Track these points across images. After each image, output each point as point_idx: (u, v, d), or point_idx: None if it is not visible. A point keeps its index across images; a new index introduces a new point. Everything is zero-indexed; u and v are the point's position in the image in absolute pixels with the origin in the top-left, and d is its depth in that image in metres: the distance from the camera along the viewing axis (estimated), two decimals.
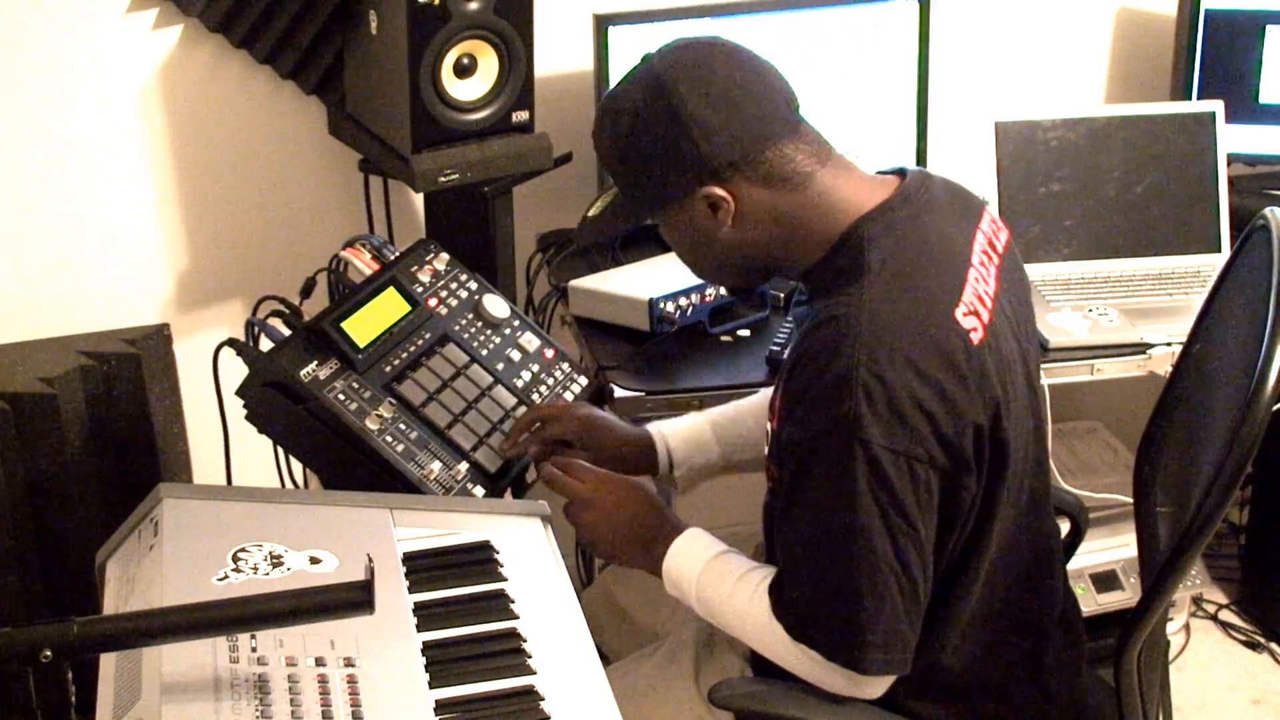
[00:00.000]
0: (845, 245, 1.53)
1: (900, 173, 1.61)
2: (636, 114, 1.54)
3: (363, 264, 2.00)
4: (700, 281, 2.22)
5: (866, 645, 1.47)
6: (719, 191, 1.53)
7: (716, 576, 1.62)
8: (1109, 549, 2.62)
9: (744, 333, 2.26)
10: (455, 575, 1.55)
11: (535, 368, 1.99)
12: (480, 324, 1.99)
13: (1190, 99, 2.66)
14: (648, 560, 1.67)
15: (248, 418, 1.83)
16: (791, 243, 1.57)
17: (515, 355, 1.99)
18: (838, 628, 1.49)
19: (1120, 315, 2.34)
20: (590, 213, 1.70)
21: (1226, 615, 2.89)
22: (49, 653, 1.20)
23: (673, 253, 2.43)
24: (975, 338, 1.49)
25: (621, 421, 1.92)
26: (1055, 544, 1.77)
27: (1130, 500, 1.84)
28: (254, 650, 1.34)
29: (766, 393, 1.96)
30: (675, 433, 1.90)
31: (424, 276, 2.00)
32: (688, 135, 1.51)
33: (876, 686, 1.54)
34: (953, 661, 1.60)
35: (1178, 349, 1.84)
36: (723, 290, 2.24)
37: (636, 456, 1.88)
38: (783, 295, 2.32)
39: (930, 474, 1.45)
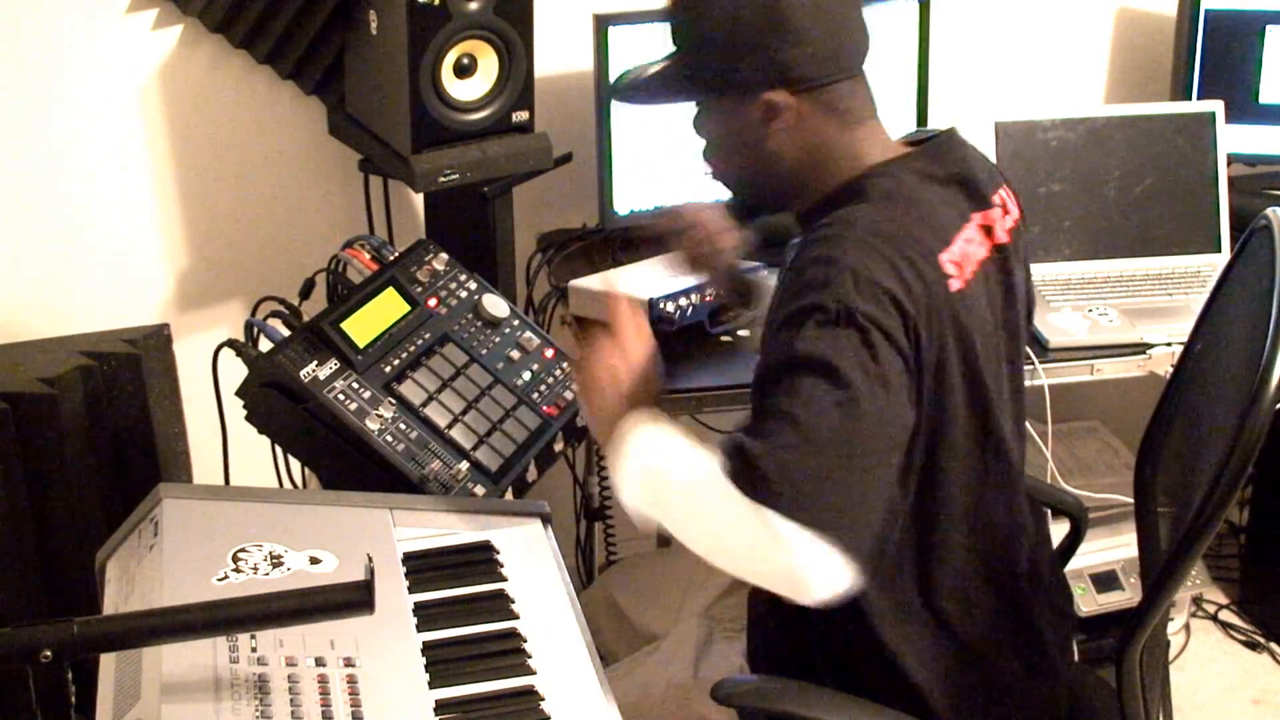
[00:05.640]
0: (849, 186, 1.55)
1: (931, 137, 1.63)
2: None
3: (362, 264, 2.00)
4: (700, 281, 2.22)
5: (838, 521, 1.37)
6: (785, 99, 1.53)
7: (676, 445, 1.50)
8: (1109, 549, 2.62)
9: (744, 333, 2.26)
10: (455, 575, 1.55)
11: (535, 367, 1.99)
12: (480, 324, 1.99)
13: (1190, 99, 2.66)
14: (617, 411, 1.55)
15: (247, 418, 1.83)
16: (816, 174, 1.58)
17: (515, 354, 1.99)
18: (810, 489, 1.37)
19: (1120, 315, 2.34)
20: (636, 73, 1.65)
21: (1226, 615, 2.89)
22: (49, 653, 1.20)
23: (674, 252, 2.46)
24: (954, 285, 1.50)
25: None
26: (1040, 548, 1.75)
27: (1130, 500, 1.84)
28: (254, 650, 1.34)
29: None
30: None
31: (423, 276, 2.00)
32: (782, 34, 1.50)
33: (821, 581, 1.39)
34: (947, 608, 1.59)
35: (1177, 349, 1.84)
36: (716, 297, 2.24)
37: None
38: None
39: (900, 358, 1.44)
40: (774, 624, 1.67)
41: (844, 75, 1.55)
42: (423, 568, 1.56)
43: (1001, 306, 1.63)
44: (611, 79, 2.39)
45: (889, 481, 1.45)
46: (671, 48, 1.60)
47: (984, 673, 1.64)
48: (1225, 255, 2.48)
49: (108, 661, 1.34)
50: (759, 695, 1.57)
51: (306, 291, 2.03)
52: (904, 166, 1.57)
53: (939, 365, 1.48)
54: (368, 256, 2.01)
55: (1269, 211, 1.66)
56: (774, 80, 1.52)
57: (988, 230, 1.63)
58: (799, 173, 1.58)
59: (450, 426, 1.83)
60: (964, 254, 1.54)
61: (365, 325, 1.84)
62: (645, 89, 1.64)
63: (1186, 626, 2.83)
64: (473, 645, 1.45)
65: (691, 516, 1.47)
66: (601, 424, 1.58)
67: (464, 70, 2.16)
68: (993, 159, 2.45)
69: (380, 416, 1.77)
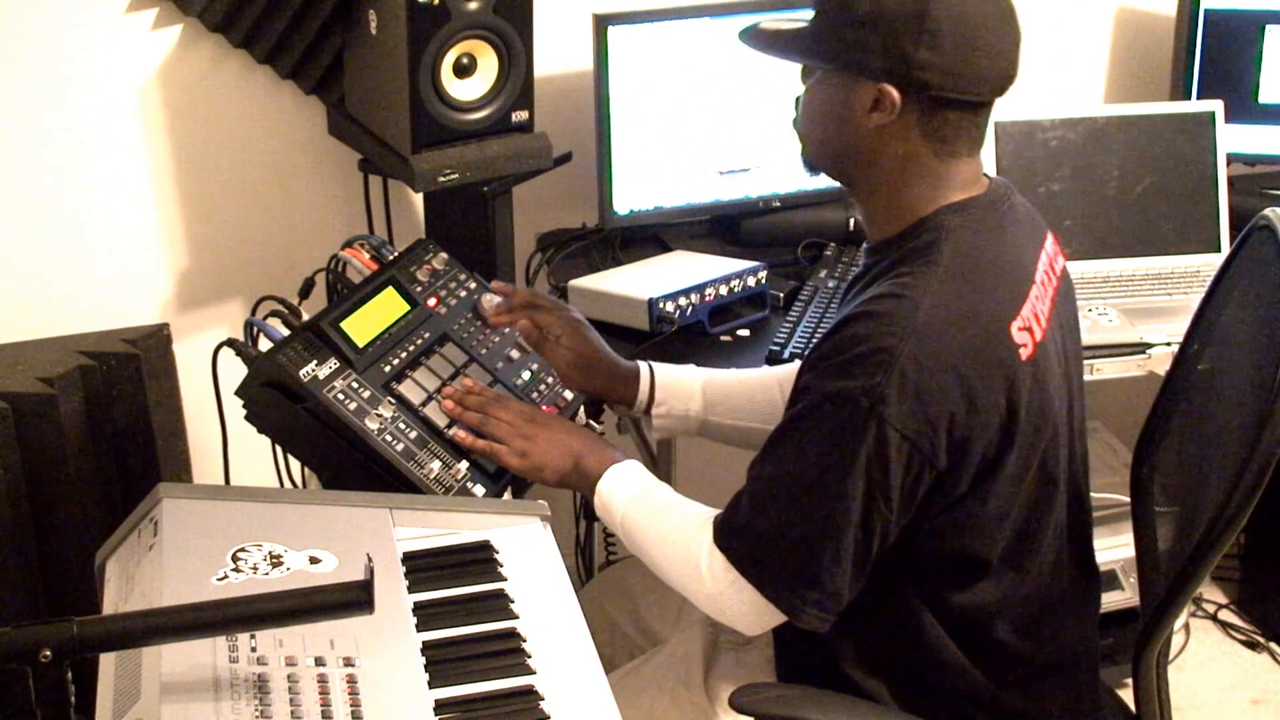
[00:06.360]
0: (923, 227, 1.54)
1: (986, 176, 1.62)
2: None
3: (361, 264, 2.00)
4: (700, 281, 2.22)
5: (808, 599, 1.51)
6: (895, 96, 1.49)
7: (657, 497, 1.68)
8: (1109, 549, 2.61)
9: (744, 333, 2.26)
10: (455, 575, 1.55)
11: (534, 366, 1.99)
12: (479, 323, 1.99)
13: (1190, 99, 2.66)
14: (579, 472, 1.74)
15: (247, 417, 1.83)
16: (890, 193, 1.56)
17: (514, 354, 1.99)
18: (788, 574, 1.52)
19: (1120, 315, 2.34)
20: (770, 24, 1.64)
21: (1226, 615, 2.89)
22: (49, 653, 1.20)
23: (673, 252, 2.46)
24: (1024, 353, 1.50)
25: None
26: (1093, 581, 1.76)
27: (1129, 500, 1.84)
28: (253, 650, 1.34)
29: (766, 370, 1.97)
30: (664, 374, 1.93)
31: (423, 276, 1.99)
32: (920, 33, 1.46)
33: (740, 619, 1.59)
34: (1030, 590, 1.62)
35: (1177, 349, 1.84)
36: (725, 291, 2.25)
37: (616, 380, 1.92)
38: (783, 295, 2.32)
39: (926, 472, 1.47)
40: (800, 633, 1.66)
41: (964, 98, 1.50)
42: (422, 567, 1.56)
43: (1068, 338, 1.64)
44: (611, 79, 2.39)
45: (873, 557, 1.51)
46: (812, 13, 1.57)
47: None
48: (1225, 255, 2.48)
49: (107, 661, 1.34)
50: (784, 704, 1.57)
51: (306, 291, 2.03)
52: (983, 204, 1.56)
53: (995, 444, 1.49)
54: (367, 256, 2.01)
55: (1268, 211, 1.66)
56: (894, 74, 1.49)
57: (1051, 259, 1.64)
58: (879, 175, 1.56)
59: (450, 426, 1.83)
60: (1034, 311, 1.54)
61: (365, 325, 1.84)
62: (779, 42, 1.61)
63: (1186, 626, 2.84)
64: (472, 645, 1.45)
65: (663, 558, 1.67)
66: (573, 483, 1.77)
67: (464, 70, 2.16)
68: (992, 159, 2.47)
69: (380, 416, 1.77)
